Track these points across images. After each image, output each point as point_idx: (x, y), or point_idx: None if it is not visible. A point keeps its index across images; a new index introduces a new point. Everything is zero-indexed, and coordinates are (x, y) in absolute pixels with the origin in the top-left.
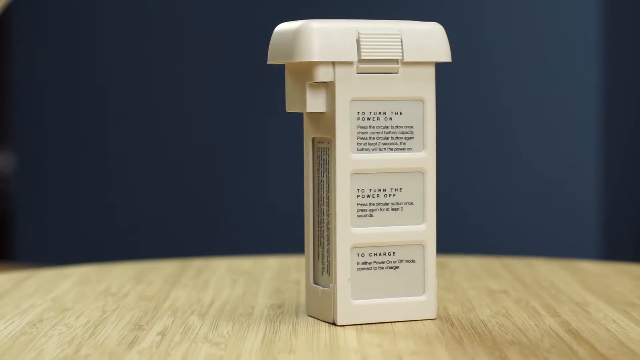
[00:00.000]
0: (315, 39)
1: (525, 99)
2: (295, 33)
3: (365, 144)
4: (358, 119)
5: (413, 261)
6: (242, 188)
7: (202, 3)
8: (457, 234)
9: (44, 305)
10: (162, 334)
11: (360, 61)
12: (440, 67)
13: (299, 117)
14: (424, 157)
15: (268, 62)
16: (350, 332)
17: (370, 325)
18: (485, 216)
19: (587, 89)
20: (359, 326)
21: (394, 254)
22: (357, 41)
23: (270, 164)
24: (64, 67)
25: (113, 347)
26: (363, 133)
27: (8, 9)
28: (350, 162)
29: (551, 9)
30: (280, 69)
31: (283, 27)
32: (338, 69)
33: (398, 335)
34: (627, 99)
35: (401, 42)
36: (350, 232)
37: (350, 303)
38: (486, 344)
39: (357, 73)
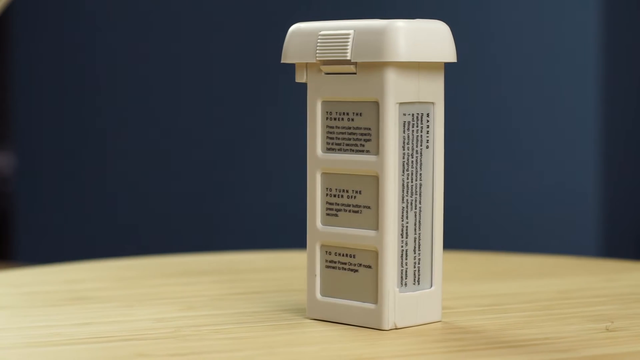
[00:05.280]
0: (289, 41)
1: (526, 98)
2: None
3: (332, 144)
4: (327, 118)
5: (370, 267)
6: (243, 186)
7: (202, 2)
8: (457, 233)
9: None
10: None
11: (320, 62)
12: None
13: (298, 115)
14: (377, 161)
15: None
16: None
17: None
18: (486, 215)
19: (587, 88)
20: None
21: (354, 256)
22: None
23: (272, 162)
24: (64, 67)
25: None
26: (331, 133)
27: (8, 9)
28: (317, 161)
29: (551, 8)
30: (280, 67)
31: None
32: (309, 70)
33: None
34: (627, 98)
35: (351, 42)
36: (318, 230)
37: (317, 298)
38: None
39: (325, 74)
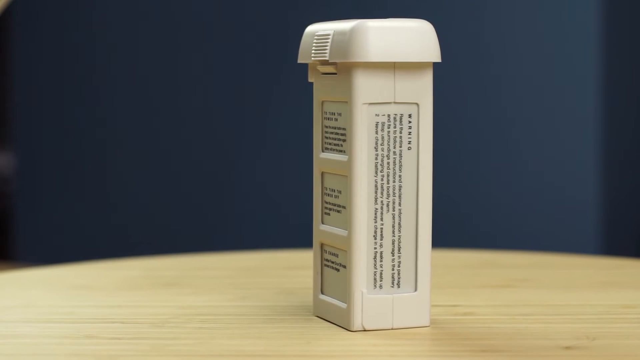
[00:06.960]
0: (302, 41)
1: (526, 98)
2: None
3: (327, 143)
4: (324, 119)
5: (344, 266)
6: (243, 186)
7: (202, 3)
8: (458, 232)
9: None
10: None
11: (317, 62)
12: (442, 67)
13: (298, 115)
14: (346, 161)
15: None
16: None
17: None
18: (486, 215)
19: (587, 88)
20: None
21: (337, 255)
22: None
23: (272, 162)
24: (64, 67)
25: None
26: (327, 133)
27: (8, 9)
28: (318, 160)
29: (551, 8)
30: (281, 67)
31: None
32: (314, 71)
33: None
34: (627, 98)
35: (330, 43)
36: (318, 229)
37: (318, 296)
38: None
39: (322, 74)
